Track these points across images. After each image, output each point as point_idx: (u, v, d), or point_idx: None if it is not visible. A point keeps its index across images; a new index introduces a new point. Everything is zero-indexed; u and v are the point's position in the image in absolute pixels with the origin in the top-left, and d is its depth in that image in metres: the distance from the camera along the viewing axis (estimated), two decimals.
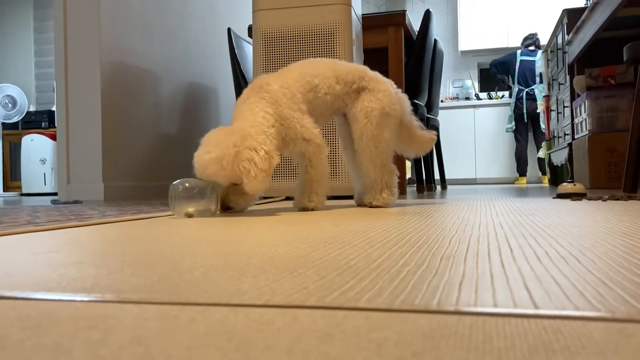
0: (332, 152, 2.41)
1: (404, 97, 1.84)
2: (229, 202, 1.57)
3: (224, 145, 1.45)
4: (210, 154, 1.46)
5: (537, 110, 6.04)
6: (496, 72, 6.55)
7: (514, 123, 6.32)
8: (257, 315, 0.41)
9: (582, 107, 3.58)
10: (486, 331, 0.35)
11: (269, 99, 1.60)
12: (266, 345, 0.34)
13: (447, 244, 0.78)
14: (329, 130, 2.42)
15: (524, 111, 6.19)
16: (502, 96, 6.91)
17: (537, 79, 6.19)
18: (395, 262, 0.63)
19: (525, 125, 6.29)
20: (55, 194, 5.81)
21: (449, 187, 5.07)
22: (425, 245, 0.77)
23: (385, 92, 1.76)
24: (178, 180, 1.55)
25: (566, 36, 3.93)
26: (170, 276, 0.57)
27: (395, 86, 1.84)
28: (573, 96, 3.92)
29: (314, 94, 1.70)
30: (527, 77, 6.22)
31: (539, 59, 6.20)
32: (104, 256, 0.74)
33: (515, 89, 6.29)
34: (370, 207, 1.77)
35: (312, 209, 1.67)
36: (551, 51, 4.81)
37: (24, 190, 6.12)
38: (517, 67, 6.27)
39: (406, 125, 1.82)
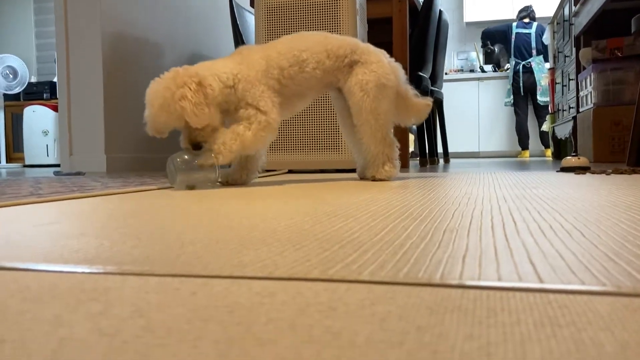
0: (332, 124, 2.40)
1: (398, 66, 1.81)
2: (195, 138, 1.54)
3: (160, 92, 1.49)
4: (153, 106, 1.50)
5: (542, 83, 6.00)
6: (484, 41, 6.51)
7: (512, 97, 6.29)
8: (260, 288, 0.41)
9: (588, 80, 3.54)
10: (490, 306, 0.35)
11: (239, 60, 1.60)
12: (269, 318, 0.33)
13: (450, 217, 0.78)
14: (325, 103, 2.40)
15: (521, 84, 6.14)
16: (507, 69, 6.86)
17: (534, 51, 6.12)
18: (398, 235, 0.63)
19: (524, 99, 6.23)
20: (57, 165, 5.81)
21: (451, 160, 5.05)
22: (428, 219, 0.77)
23: (379, 63, 1.72)
24: (176, 153, 1.54)
25: (573, 7, 3.86)
26: (172, 248, 0.57)
27: (388, 56, 1.80)
28: (579, 69, 3.87)
29: (299, 68, 1.66)
30: (524, 50, 6.16)
31: (534, 31, 6.14)
32: (106, 228, 0.74)
33: (512, 62, 6.22)
34: (373, 180, 1.76)
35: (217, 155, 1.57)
36: (557, 23, 4.74)
37: (27, 162, 6.12)
38: (512, 40, 6.21)
39: (402, 94, 1.79)
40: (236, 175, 1.69)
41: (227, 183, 1.68)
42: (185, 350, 0.28)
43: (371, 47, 1.78)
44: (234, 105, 1.59)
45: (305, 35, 1.75)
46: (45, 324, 0.33)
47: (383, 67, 1.72)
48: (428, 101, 1.86)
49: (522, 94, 6.20)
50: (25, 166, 6.07)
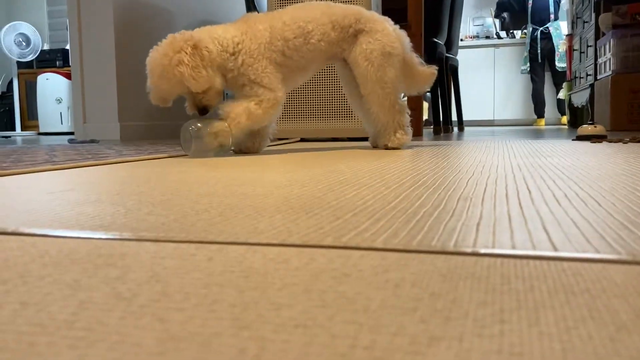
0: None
1: (403, 34, 1.77)
2: (200, 102, 1.54)
3: (159, 60, 1.49)
4: (154, 75, 1.51)
5: (560, 49, 5.89)
6: (497, 12, 6.42)
7: (528, 64, 6.17)
8: (274, 254, 0.41)
9: (607, 46, 3.47)
10: (504, 273, 0.35)
11: (244, 29, 1.58)
12: (283, 284, 0.34)
13: (464, 186, 0.78)
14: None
15: (539, 51, 6.03)
16: (524, 35, 6.73)
17: (552, 16, 5.99)
18: (411, 203, 0.63)
19: (541, 65, 6.12)
20: (71, 133, 5.85)
21: (466, 128, 5.01)
22: (442, 187, 0.77)
23: (383, 31, 1.69)
24: (189, 121, 1.54)
25: None
26: (187, 215, 0.57)
27: (392, 23, 1.76)
28: (598, 35, 3.78)
29: (304, 39, 1.64)
30: (542, 15, 6.03)
31: None
32: (121, 195, 0.75)
33: (529, 28, 6.09)
34: (386, 149, 1.75)
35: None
36: None
37: (41, 130, 6.16)
38: (529, 6, 6.07)
39: (407, 63, 1.76)
40: (248, 143, 1.69)
41: (239, 151, 1.69)
42: (202, 314, 0.29)
43: (376, 15, 1.75)
44: (232, 74, 1.57)
45: (310, 5, 1.72)
46: (65, 288, 0.34)
47: (388, 35, 1.70)
48: (433, 69, 1.83)
49: (540, 61, 6.08)
50: (39, 134, 6.12)
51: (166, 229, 0.50)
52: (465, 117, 6.79)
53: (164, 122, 3.66)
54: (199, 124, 1.51)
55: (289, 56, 1.63)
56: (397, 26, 1.78)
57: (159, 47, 1.52)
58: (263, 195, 0.72)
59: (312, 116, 2.45)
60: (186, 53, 1.47)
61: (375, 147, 1.87)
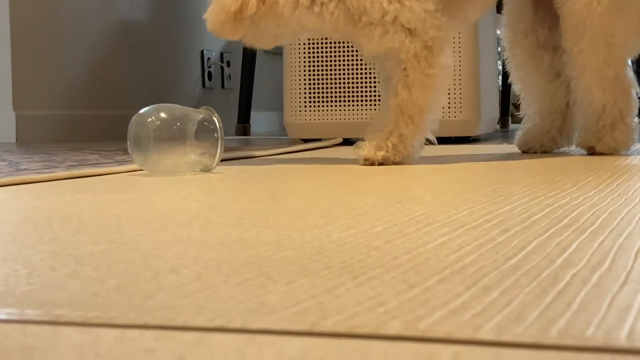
0: None
1: None
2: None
3: None
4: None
5: None
6: None
7: None
8: (297, 350, 0.37)
9: None
10: None
11: None
12: None
13: None
14: None
15: None
16: None
17: None
18: (547, 259, 0.58)
19: None
20: None
21: None
22: (607, 230, 0.71)
23: None
24: (147, 108, 1.25)
25: None
26: (140, 279, 0.53)
27: None
28: None
29: None
30: None
31: None
32: (20, 243, 0.70)
33: None
34: (592, 153, 1.54)
35: (382, 163, 1.39)
36: None
37: None
38: None
39: None
40: None
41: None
42: None
43: None
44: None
45: None
46: None
47: None
48: None
49: None
50: None
51: (102, 303, 0.46)
52: None
53: (93, 110, 3.43)
54: (162, 114, 1.24)
55: None
56: None
57: None
58: (276, 242, 0.67)
59: (365, 101, 2.27)
60: None
61: (525, 151, 1.67)
